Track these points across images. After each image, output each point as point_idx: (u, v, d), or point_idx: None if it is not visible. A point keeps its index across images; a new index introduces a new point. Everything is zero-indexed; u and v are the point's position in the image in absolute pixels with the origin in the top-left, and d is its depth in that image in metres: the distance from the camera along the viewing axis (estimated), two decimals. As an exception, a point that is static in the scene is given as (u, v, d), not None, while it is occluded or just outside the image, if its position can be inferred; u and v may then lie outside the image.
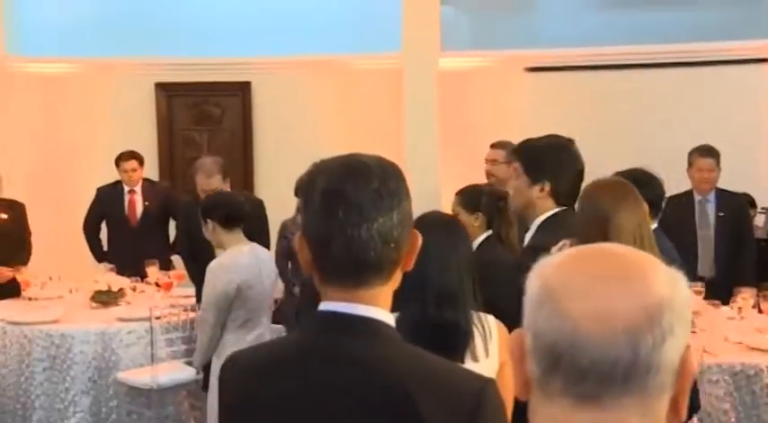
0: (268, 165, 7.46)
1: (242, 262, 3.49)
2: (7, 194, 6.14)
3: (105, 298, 5.25)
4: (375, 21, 7.38)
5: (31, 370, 4.71)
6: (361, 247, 1.35)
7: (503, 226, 3.60)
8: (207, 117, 7.66)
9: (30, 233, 6.24)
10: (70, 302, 5.35)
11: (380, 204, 1.36)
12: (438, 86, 6.97)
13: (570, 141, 3.04)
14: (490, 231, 3.59)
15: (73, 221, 6.67)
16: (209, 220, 3.97)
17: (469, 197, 3.68)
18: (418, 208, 1.45)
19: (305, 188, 1.43)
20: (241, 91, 7.57)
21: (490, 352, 2.27)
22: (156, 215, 6.38)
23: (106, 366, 4.75)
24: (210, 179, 5.18)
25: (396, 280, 1.43)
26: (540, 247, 2.54)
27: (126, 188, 6.39)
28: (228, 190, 5.39)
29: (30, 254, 6.13)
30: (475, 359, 2.23)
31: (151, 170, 7.07)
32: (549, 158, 2.93)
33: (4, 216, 6.08)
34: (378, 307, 1.39)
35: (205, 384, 3.97)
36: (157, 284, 5.61)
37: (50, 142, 7.33)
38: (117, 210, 6.35)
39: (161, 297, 5.45)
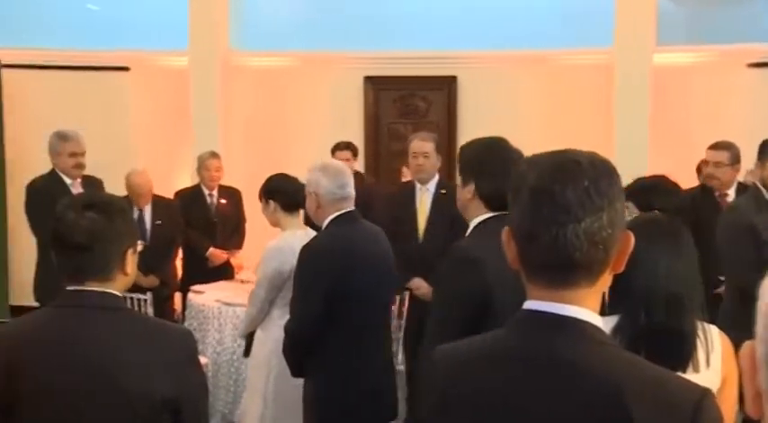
0: (471, 159, 7.46)
1: (296, 245, 3.54)
2: (226, 182, 6.51)
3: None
4: (585, 15, 7.20)
5: (242, 350, 4.94)
6: (566, 247, 1.32)
7: None
8: (412, 110, 7.77)
9: (245, 219, 6.58)
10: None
11: (589, 204, 1.32)
12: (651, 83, 6.70)
13: (502, 141, 2.86)
14: None
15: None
16: (270, 201, 4.02)
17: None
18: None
19: (515, 183, 1.41)
20: (447, 85, 7.62)
21: (711, 363, 2.17)
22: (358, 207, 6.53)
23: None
24: (425, 143, 5.27)
25: (604, 282, 1.39)
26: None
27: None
28: (437, 166, 5.40)
29: (243, 239, 6.48)
30: (696, 370, 2.13)
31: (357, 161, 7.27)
32: (472, 159, 2.80)
33: (224, 201, 6.46)
34: (585, 308, 1.36)
35: (247, 352, 4.10)
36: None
37: (267, 132, 7.70)
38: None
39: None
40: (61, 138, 5.16)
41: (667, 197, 3.41)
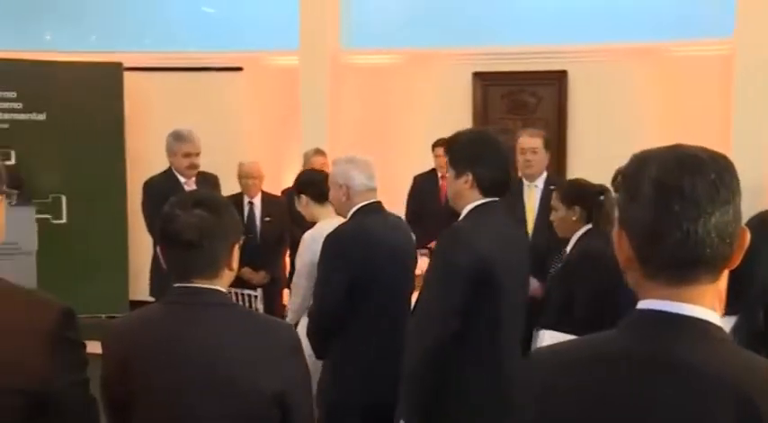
0: (581, 155, 7.33)
1: None
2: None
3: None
4: (703, 3, 6.96)
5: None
6: (697, 244, 1.29)
7: (601, 220, 3.71)
8: (521, 106, 7.68)
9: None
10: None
11: (717, 198, 1.29)
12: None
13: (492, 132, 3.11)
14: (589, 225, 3.75)
15: (390, 205, 6.99)
16: (302, 196, 4.19)
17: (568, 192, 3.92)
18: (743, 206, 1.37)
19: (630, 180, 1.37)
20: (557, 80, 7.49)
21: None
22: None
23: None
24: (533, 139, 5.21)
25: (723, 278, 1.35)
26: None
27: (439, 174, 6.61)
28: (546, 163, 5.31)
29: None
30: None
31: (466, 158, 7.23)
32: (468, 150, 3.01)
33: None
34: (704, 307, 1.32)
35: None
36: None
37: (374, 130, 7.75)
38: (431, 195, 6.57)
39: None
40: (177, 138, 5.33)
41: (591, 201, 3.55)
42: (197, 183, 5.30)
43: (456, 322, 2.74)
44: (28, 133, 7.64)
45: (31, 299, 1.70)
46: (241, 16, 8.23)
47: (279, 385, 1.99)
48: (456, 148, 3.06)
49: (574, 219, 3.85)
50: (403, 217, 6.63)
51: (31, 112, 7.70)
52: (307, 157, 6.57)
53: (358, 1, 8.02)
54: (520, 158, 5.22)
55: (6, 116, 7.65)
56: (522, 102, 7.66)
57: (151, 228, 5.13)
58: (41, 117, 7.74)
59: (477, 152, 2.96)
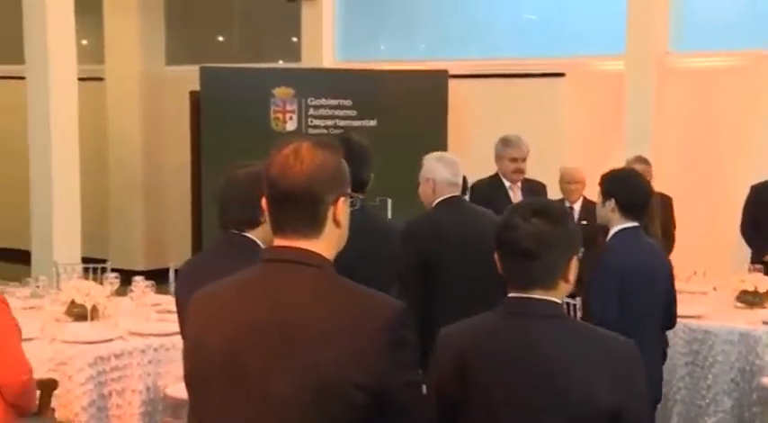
0: None
1: None
2: (658, 187, 6.33)
3: (751, 299, 5.08)
4: None
5: (673, 363, 4.71)
6: None
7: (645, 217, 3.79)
8: None
9: (674, 226, 6.35)
10: (714, 299, 5.30)
11: None
12: None
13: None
14: (629, 223, 3.71)
15: (721, 216, 6.62)
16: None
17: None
18: None
19: None
20: None
21: None
22: None
23: (750, 370, 4.58)
24: None
25: None
26: None
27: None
28: None
29: (673, 245, 6.24)
30: None
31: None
32: None
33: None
34: None
35: None
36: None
37: (702, 136, 7.36)
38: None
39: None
40: (505, 143, 5.44)
41: (623, 191, 3.70)
42: (522, 190, 5.35)
43: None
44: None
45: (368, 297, 1.75)
46: (563, 22, 8.19)
47: (615, 401, 1.94)
48: None
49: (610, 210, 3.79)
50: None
51: (363, 119, 8.19)
52: (628, 164, 6.40)
53: (689, 2, 7.65)
54: None
55: (342, 123, 8.18)
56: None
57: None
58: (373, 123, 8.20)
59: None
